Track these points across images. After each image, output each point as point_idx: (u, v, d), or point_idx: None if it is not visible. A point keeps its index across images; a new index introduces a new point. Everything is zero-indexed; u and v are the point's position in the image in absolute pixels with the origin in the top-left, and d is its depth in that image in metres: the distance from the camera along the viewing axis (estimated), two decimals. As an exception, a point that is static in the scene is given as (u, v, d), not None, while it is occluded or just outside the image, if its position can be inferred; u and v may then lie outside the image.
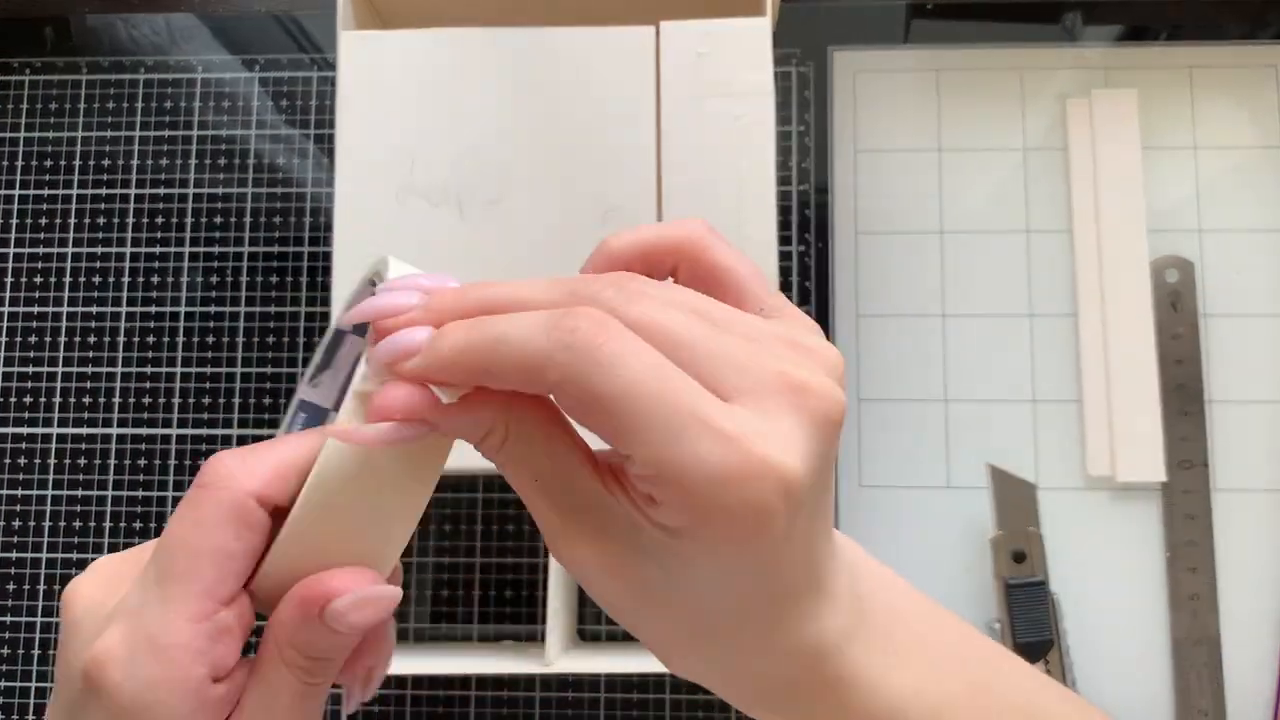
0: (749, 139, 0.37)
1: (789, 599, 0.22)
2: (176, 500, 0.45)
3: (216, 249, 0.47)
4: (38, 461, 0.46)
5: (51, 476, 0.46)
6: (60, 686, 0.23)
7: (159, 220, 0.47)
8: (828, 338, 0.43)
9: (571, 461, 0.22)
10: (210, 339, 0.46)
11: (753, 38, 0.37)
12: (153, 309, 0.47)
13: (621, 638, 0.44)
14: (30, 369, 0.47)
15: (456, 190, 0.37)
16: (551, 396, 0.21)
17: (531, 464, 0.22)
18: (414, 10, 0.42)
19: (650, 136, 0.37)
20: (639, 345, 0.20)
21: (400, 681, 0.44)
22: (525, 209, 0.37)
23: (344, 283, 0.37)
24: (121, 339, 0.47)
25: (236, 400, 0.46)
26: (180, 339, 0.46)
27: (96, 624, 0.22)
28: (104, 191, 0.48)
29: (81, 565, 0.45)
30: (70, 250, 0.47)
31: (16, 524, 0.46)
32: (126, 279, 0.47)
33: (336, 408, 0.26)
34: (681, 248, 0.24)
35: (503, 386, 0.21)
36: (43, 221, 0.47)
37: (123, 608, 0.22)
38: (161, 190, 0.47)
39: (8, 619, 0.45)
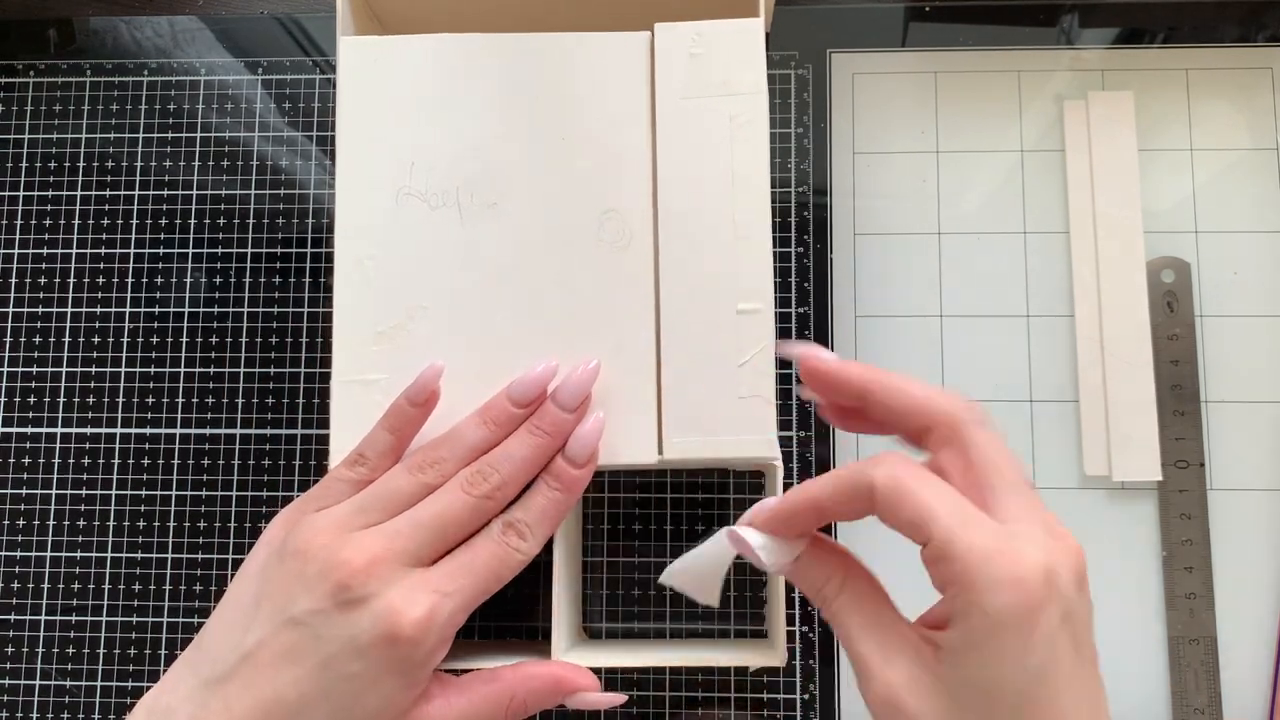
0: (744, 138, 0.37)
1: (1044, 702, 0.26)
2: (179, 499, 0.45)
3: (219, 250, 0.47)
4: (41, 461, 0.46)
5: (55, 476, 0.46)
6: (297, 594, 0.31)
7: (162, 221, 0.47)
8: (827, 338, 0.44)
9: (885, 605, 0.29)
10: (213, 339, 0.46)
11: (746, 37, 0.37)
12: (155, 309, 0.47)
13: (623, 635, 0.44)
14: (34, 369, 0.47)
15: (455, 194, 0.37)
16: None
17: (860, 609, 0.29)
18: (412, 17, 0.42)
19: (646, 138, 0.37)
20: (934, 477, 0.28)
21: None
22: (523, 212, 0.37)
23: (346, 286, 0.37)
24: (125, 339, 0.47)
25: (239, 400, 0.46)
26: (183, 339, 0.47)
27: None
28: (107, 193, 0.48)
29: (84, 564, 0.45)
30: (74, 251, 0.47)
31: (20, 523, 0.46)
32: (129, 279, 0.47)
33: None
34: (940, 425, 0.29)
35: (833, 513, 0.29)
36: (46, 223, 0.48)
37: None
38: (164, 191, 0.48)
39: (11, 618, 0.45)
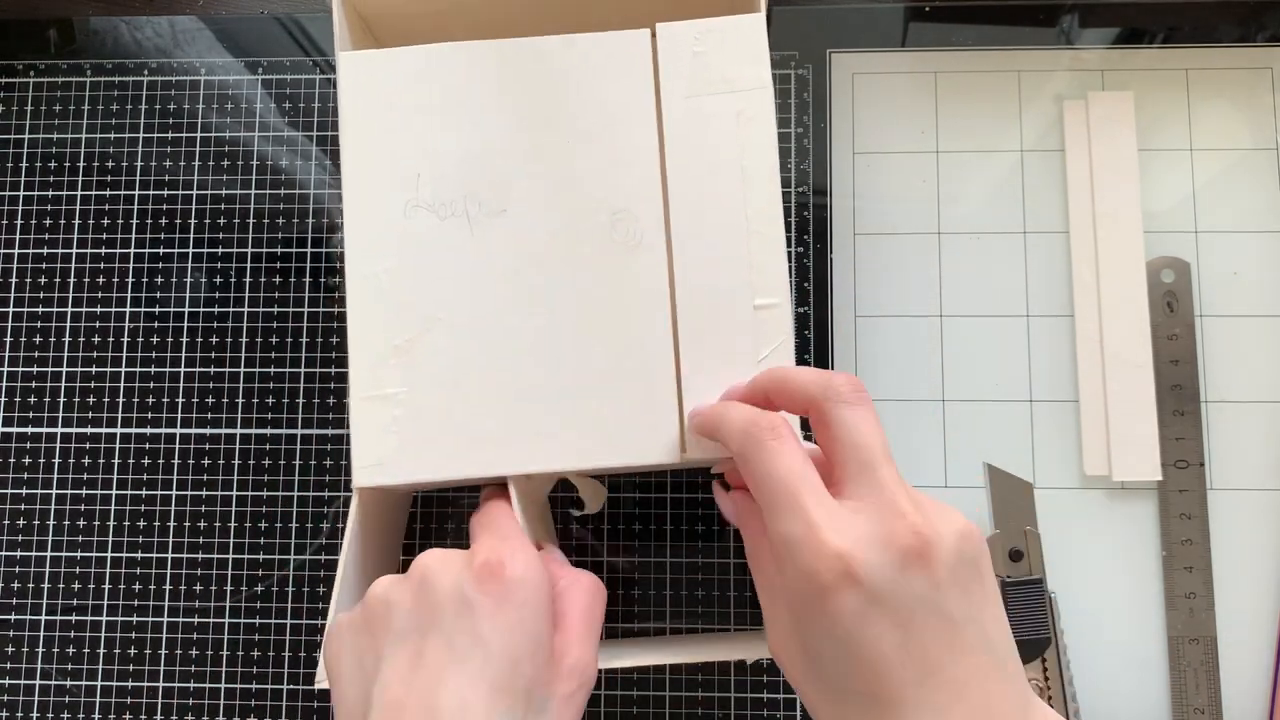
0: (751, 134, 0.37)
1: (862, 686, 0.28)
2: (179, 499, 0.45)
3: (220, 250, 0.47)
4: (41, 461, 0.46)
5: (55, 476, 0.46)
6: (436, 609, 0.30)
7: (162, 221, 0.48)
8: (827, 338, 0.44)
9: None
10: (214, 339, 0.47)
11: (748, 33, 0.37)
12: (156, 309, 0.47)
13: (623, 635, 0.44)
14: (34, 369, 0.47)
15: (463, 203, 0.37)
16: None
17: (759, 569, 0.32)
18: (407, 29, 0.42)
19: (652, 138, 0.37)
20: (795, 448, 0.30)
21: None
22: (532, 217, 0.37)
23: (359, 300, 0.37)
24: (125, 339, 0.47)
25: (240, 400, 0.46)
26: (184, 339, 0.47)
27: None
28: (107, 193, 0.48)
29: (84, 564, 0.45)
30: (74, 251, 0.48)
31: (20, 523, 0.46)
32: (129, 279, 0.47)
33: None
34: (813, 407, 0.31)
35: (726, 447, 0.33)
36: (47, 223, 0.48)
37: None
38: (165, 191, 0.48)
39: (11, 618, 0.45)
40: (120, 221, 0.48)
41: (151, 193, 0.48)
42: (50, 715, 0.45)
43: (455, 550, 0.32)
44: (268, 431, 0.46)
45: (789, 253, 0.46)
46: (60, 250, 0.48)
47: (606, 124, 0.37)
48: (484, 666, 0.29)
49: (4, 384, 0.47)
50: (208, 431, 0.46)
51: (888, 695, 0.27)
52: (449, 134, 0.37)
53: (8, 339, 0.47)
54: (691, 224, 0.37)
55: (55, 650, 0.45)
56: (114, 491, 0.46)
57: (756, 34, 0.37)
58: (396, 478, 0.36)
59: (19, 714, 0.45)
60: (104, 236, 0.48)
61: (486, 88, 0.37)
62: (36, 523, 0.46)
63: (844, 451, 0.30)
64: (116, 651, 0.45)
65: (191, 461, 0.46)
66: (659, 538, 0.45)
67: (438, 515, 0.45)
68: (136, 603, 0.45)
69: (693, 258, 0.36)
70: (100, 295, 0.47)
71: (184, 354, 0.47)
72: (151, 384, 0.46)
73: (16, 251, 0.48)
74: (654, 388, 0.36)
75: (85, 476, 0.46)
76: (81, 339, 0.47)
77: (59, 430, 0.46)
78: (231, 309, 0.47)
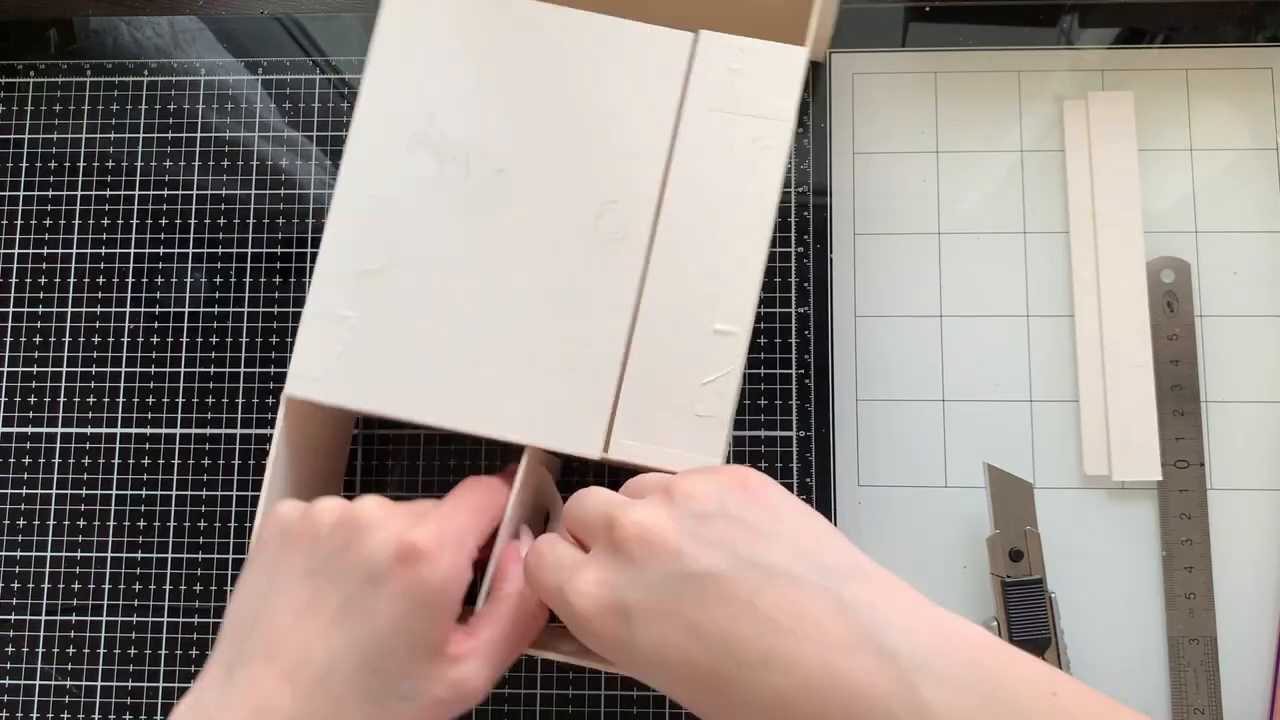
0: (762, 162, 0.37)
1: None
2: (179, 499, 0.45)
3: (219, 250, 0.47)
4: (41, 461, 0.46)
5: (55, 476, 0.46)
6: (336, 585, 0.31)
7: (162, 221, 0.47)
8: (827, 339, 0.45)
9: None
10: (214, 339, 0.47)
11: (788, 65, 0.37)
12: (155, 309, 0.47)
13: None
14: (34, 369, 0.47)
15: (466, 152, 0.37)
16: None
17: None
18: None
19: (665, 139, 0.37)
20: (555, 553, 0.31)
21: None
22: (528, 184, 0.37)
23: (340, 220, 0.37)
24: (125, 339, 0.47)
25: (240, 400, 0.46)
26: (183, 339, 0.47)
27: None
28: (107, 193, 0.48)
29: (84, 564, 0.45)
30: (74, 251, 0.48)
31: (21, 523, 0.46)
32: (129, 279, 0.47)
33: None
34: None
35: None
36: (46, 223, 0.48)
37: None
38: (165, 191, 0.48)
39: (11, 618, 0.45)
40: (120, 221, 0.48)
41: (151, 193, 0.48)
42: (50, 715, 0.45)
43: (399, 509, 0.33)
44: (268, 432, 0.46)
45: (789, 253, 0.46)
46: (60, 250, 0.48)
47: (626, 113, 0.37)
48: (363, 640, 0.30)
49: (4, 384, 0.47)
50: (208, 431, 0.46)
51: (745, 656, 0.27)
52: (473, 83, 0.37)
53: (8, 339, 0.47)
54: (678, 233, 0.37)
55: (55, 650, 0.45)
56: (114, 491, 0.46)
57: (795, 68, 0.37)
58: (326, 396, 0.37)
59: (19, 714, 0.45)
60: (104, 236, 0.48)
61: (520, 46, 0.37)
62: (36, 523, 0.46)
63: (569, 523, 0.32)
64: (116, 651, 0.45)
65: (192, 461, 0.46)
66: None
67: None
68: (136, 603, 0.45)
69: (668, 266, 0.37)
70: (100, 295, 0.47)
71: (184, 354, 0.47)
72: (151, 384, 0.46)
73: (16, 251, 0.48)
74: (595, 382, 0.36)
75: (85, 476, 0.46)
76: (81, 339, 0.47)
77: (59, 430, 0.46)
78: (231, 309, 0.47)
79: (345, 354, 0.37)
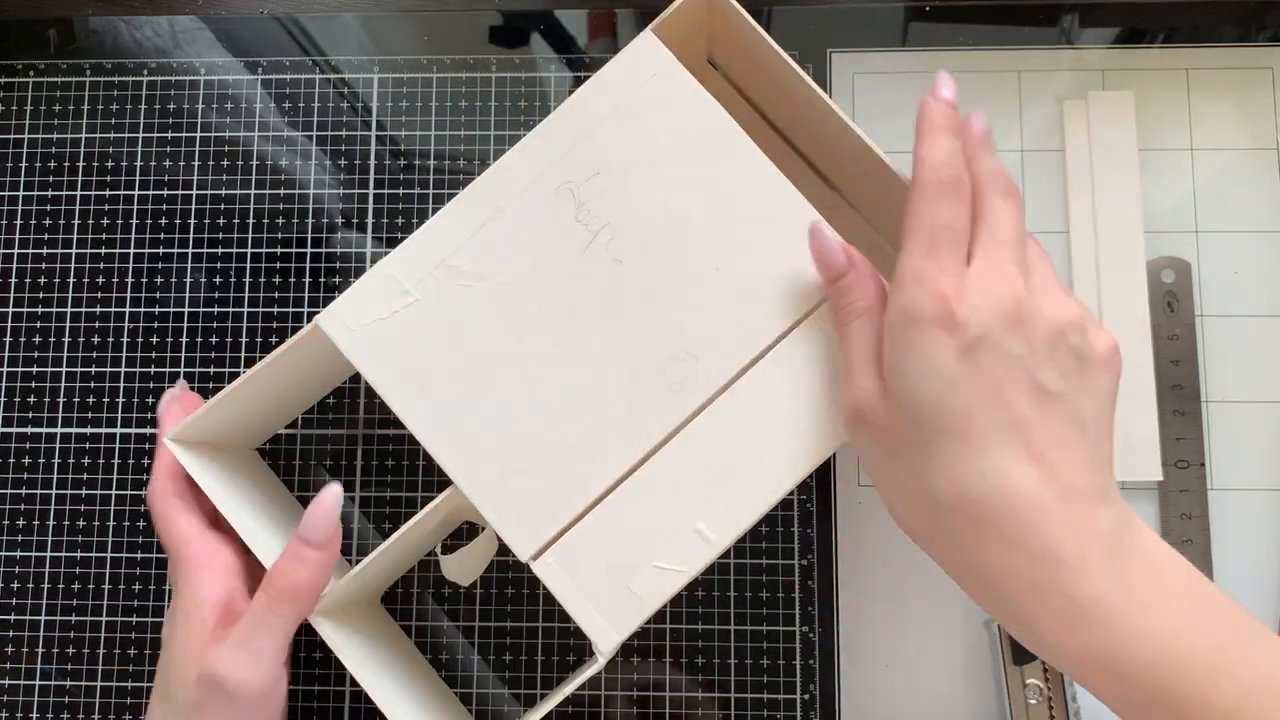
0: (833, 418, 0.36)
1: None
2: (179, 499, 0.45)
3: (219, 250, 0.47)
4: (41, 461, 0.46)
5: (55, 476, 0.46)
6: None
7: (162, 221, 0.47)
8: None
9: (880, 336, 0.33)
10: (213, 339, 0.47)
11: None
12: (155, 309, 0.47)
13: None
14: (34, 369, 0.47)
15: (600, 225, 0.37)
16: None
17: (869, 330, 0.33)
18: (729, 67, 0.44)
19: (778, 329, 0.36)
20: (960, 209, 0.33)
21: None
22: (634, 286, 0.37)
23: (457, 216, 0.37)
24: (125, 339, 0.47)
25: (239, 400, 0.46)
26: (183, 339, 0.47)
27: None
28: (107, 193, 0.48)
29: (84, 564, 0.45)
30: (74, 251, 0.48)
31: (20, 523, 0.46)
32: (129, 279, 0.47)
33: None
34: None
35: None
36: (46, 223, 0.48)
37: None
38: (164, 191, 0.48)
39: (11, 618, 0.45)
40: (120, 221, 0.48)
41: (151, 193, 0.48)
42: (50, 715, 0.45)
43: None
44: (268, 431, 0.46)
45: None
46: (60, 250, 0.48)
47: (760, 277, 0.37)
48: (168, 666, 0.37)
49: (4, 384, 0.47)
50: (208, 431, 0.46)
51: (974, 433, 0.30)
52: (645, 168, 0.37)
53: (8, 339, 0.47)
54: (723, 425, 0.36)
55: (55, 650, 0.45)
56: (114, 491, 0.46)
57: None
58: (351, 348, 0.37)
59: (19, 714, 0.45)
60: (104, 236, 0.48)
61: (704, 158, 0.37)
62: (36, 523, 0.46)
63: (979, 228, 0.32)
64: (116, 652, 0.45)
65: (191, 461, 0.46)
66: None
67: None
68: (136, 603, 0.45)
69: (696, 445, 0.36)
70: (100, 295, 0.47)
71: (184, 354, 0.47)
72: (151, 384, 0.46)
73: (16, 251, 0.48)
74: (569, 497, 0.36)
75: (85, 476, 0.46)
76: (81, 339, 0.47)
77: (59, 430, 0.46)
78: (231, 309, 0.47)
79: (384, 322, 0.36)
